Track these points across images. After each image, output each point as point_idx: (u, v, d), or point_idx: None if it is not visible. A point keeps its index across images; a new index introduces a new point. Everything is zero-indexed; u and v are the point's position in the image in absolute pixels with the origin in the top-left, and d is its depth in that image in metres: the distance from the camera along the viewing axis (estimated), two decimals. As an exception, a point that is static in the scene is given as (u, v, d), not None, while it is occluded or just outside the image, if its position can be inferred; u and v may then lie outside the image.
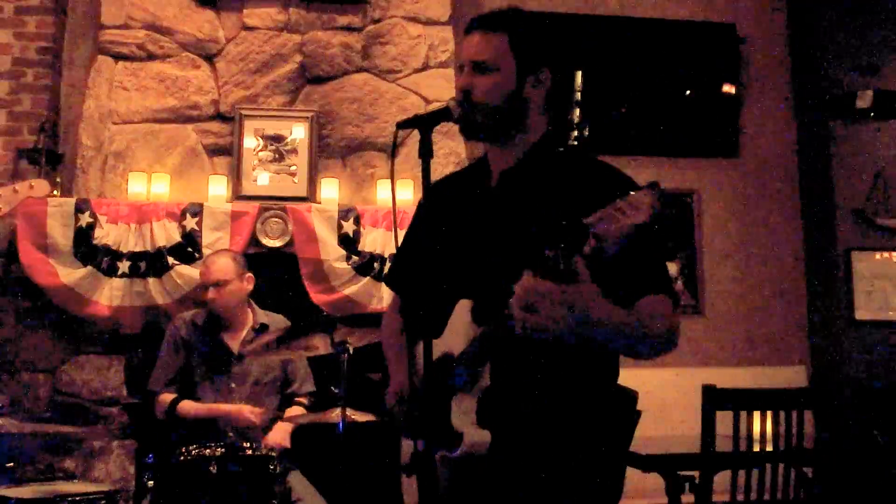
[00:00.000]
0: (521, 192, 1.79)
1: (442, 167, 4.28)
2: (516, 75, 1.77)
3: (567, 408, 1.73)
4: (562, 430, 1.72)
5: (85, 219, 3.98)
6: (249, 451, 2.98)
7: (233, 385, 3.39)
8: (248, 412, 3.26)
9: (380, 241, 4.12)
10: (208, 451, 2.93)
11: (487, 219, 1.81)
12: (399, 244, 1.99)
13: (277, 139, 4.37)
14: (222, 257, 3.57)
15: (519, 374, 1.70)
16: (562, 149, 1.87)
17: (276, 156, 4.35)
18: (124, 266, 3.98)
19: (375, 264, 4.10)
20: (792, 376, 4.94)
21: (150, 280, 3.98)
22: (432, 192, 1.69)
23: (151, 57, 4.40)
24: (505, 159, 1.84)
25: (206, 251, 3.98)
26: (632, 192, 1.34)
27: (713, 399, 3.13)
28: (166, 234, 4.02)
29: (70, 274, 3.93)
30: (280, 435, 3.32)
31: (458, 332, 1.76)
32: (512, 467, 1.70)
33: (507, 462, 1.69)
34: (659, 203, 1.31)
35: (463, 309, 1.77)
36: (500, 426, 1.67)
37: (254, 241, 4.09)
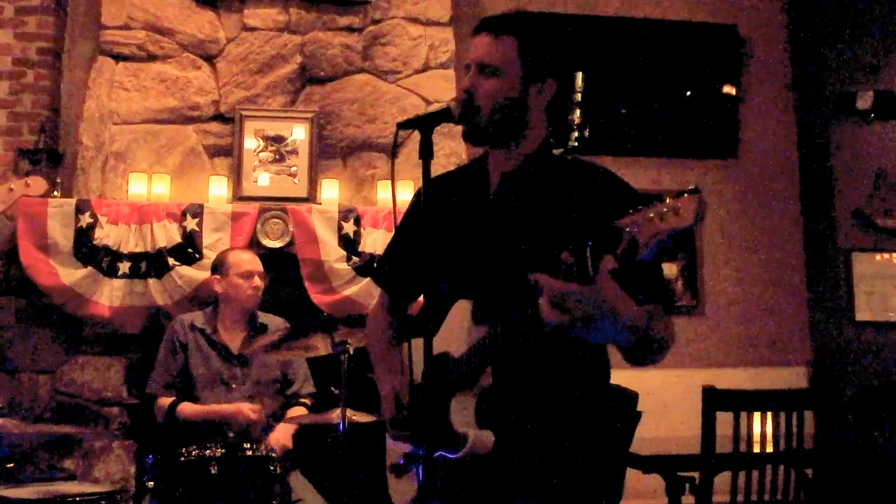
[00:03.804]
0: (522, 196, 1.79)
1: (442, 168, 4.23)
2: (521, 82, 1.76)
3: (570, 406, 1.73)
4: (565, 429, 1.72)
5: (85, 219, 3.98)
6: (250, 452, 2.97)
7: (233, 386, 3.38)
8: (248, 410, 3.25)
9: (380, 242, 4.11)
10: (209, 451, 2.92)
11: (488, 222, 1.81)
12: (390, 241, 1.97)
13: (278, 140, 4.37)
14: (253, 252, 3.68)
15: (522, 374, 1.70)
16: (560, 154, 1.87)
17: (277, 156, 4.35)
18: (125, 266, 3.98)
19: (376, 265, 4.09)
20: (792, 377, 4.94)
21: (151, 281, 3.98)
22: (428, 190, 1.68)
23: (152, 57, 4.39)
24: (505, 162, 1.84)
25: (206, 252, 3.98)
26: (674, 197, 1.30)
27: (713, 400, 3.12)
28: (167, 234, 4.02)
29: (70, 274, 3.93)
30: (282, 435, 3.32)
31: (456, 332, 1.75)
32: (516, 467, 1.70)
33: (511, 462, 1.69)
34: (703, 210, 1.29)
35: (462, 310, 1.77)
36: (504, 426, 1.67)
37: (254, 241, 4.09)
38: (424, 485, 1.59)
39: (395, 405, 1.89)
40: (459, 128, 1.80)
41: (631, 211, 1.34)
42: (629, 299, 1.47)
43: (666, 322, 1.64)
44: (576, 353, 1.70)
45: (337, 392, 2.94)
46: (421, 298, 1.91)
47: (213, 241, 4.02)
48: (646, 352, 1.61)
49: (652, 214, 1.31)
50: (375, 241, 4.12)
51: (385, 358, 2.01)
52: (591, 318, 1.42)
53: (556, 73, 1.81)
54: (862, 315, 4.94)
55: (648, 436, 2.93)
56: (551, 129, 1.87)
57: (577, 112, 4.88)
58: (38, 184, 2.89)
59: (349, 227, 4.12)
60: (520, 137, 1.80)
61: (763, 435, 3.21)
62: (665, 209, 1.30)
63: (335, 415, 2.94)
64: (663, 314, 1.65)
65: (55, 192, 4.12)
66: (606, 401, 1.82)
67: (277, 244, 4.12)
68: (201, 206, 4.08)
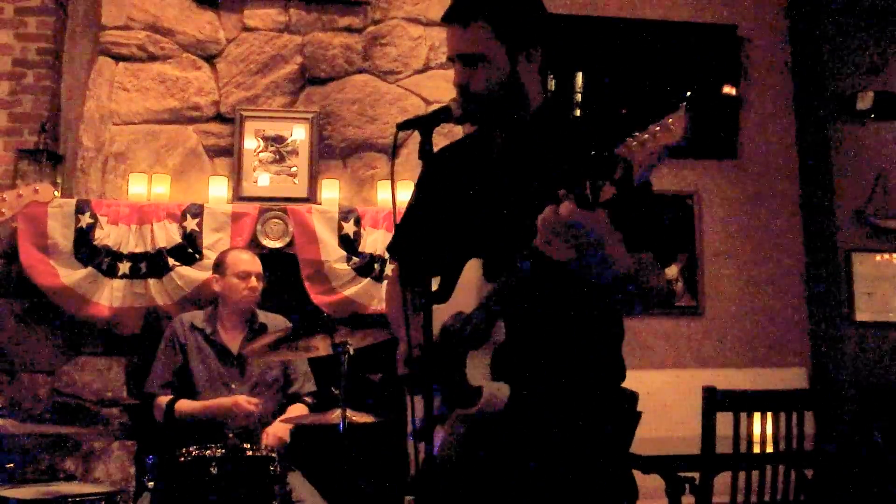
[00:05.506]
0: (524, 150, 1.81)
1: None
2: (508, 58, 1.76)
3: (582, 356, 1.75)
4: (578, 383, 1.73)
5: (85, 219, 3.98)
6: (250, 452, 2.97)
7: (233, 386, 3.38)
8: (245, 401, 3.25)
9: (380, 243, 4.12)
10: (209, 451, 2.92)
11: (492, 180, 1.83)
12: (400, 216, 1.99)
13: (278, 140, 4.37)
14: (253, 253, 3.63)
15: (535, 328, 1.71)
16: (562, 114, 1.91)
17: (277, 157, 4.36)
18: (124, 267, 3.98)
19: (376, 265, 4.10)
20: (792, 378, 4.94)
21: (151, 281, 3.98)
22: (434, 161, 1.69)
23: (152, 58, 4.40)
24: (508, 126, 1.85)
25: (206, 252, 3.98)
26: (664, 116, 1.37)
27: (713, 400, 3.12)
28: (167, 235, 4.02)
29: (70, 275, 3.93)
30: (280, 429, 3.31)
31: (468, 291, 1.75)
32: (530, 421, 1.70)
33: (526, 416, 1.70)
34: (689, 122, 1.34)
35: (473, 268, 1.77)
36: (517, 380, 1.67)
37: (254, 242, 4.09)
38: (419, 429, 1.61)
39: (406, 360, 1.86)
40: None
41: (625, 138, 1.38)
42: (619, 241, 1.48)
43: (658, 273, 1.66)
44: (586, 303, 1.70)
45: (337, 392, 2.94)
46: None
47: (213, 242, 4.02)
48: (637, 300, 1.62)
49: (646, 136, 1.36)
50: (375, 241, 4.12)
51: (403, 321, 2.00)
52: (593, 243, 1.43)
53: (538, 37, 1.80)
54: (862, 315, 4.95)
55: (648, 436, 2.92)
56: (550, 92, 1.90)
57: (577, 112, 4.88)
58: (46, 191, 2.91)
59: (349, 228, 4.13)
60: (521, 107, 1.82)
61: (763, 435, 3.21)
62: (657, 128, 1.36)
63: (335, 415, 2.94)
64: (655, 264, 1.65)
65: (55, 193, 4.12)
66: (620, 363, 1.84)
67: (277, 244, 4.12)
68: (201, 207, 4.08)
